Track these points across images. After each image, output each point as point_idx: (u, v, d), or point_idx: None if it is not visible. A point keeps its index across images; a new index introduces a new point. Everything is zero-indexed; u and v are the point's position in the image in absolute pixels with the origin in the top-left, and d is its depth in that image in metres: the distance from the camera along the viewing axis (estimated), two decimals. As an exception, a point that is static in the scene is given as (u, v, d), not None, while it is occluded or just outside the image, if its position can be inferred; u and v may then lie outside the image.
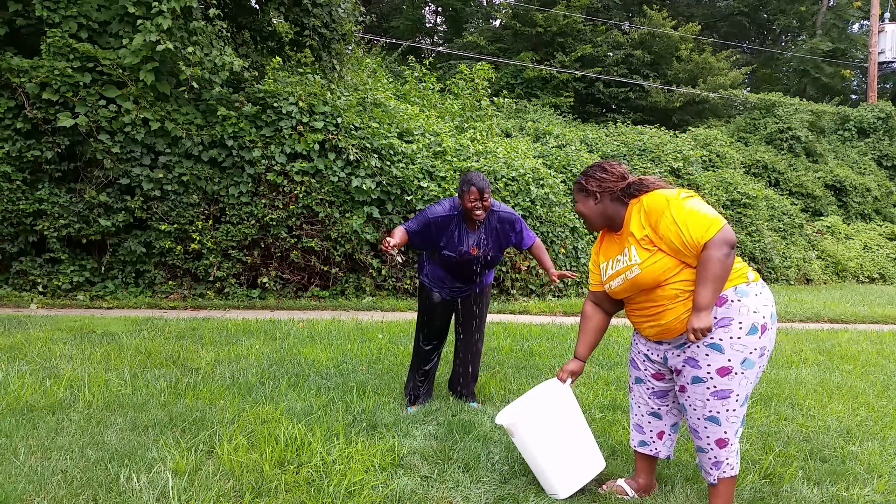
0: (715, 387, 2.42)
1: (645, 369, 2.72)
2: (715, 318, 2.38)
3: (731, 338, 2.37)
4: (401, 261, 3.77)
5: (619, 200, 2.55)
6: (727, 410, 2.43)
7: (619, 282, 2.55)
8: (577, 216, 7.39)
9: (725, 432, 2.45)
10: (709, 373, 2.42)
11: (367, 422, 3.53)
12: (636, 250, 2.46)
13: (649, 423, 2.77)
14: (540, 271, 9.28)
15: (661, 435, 2.76)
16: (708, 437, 2.48)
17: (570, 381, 2.80)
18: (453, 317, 3.99)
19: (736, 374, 2.39)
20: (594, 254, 2.76)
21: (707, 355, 2.41)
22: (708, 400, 2.44)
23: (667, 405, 2.73)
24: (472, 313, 3.93)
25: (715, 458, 2.49)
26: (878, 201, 18.68)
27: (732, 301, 2.38)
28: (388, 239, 3.37)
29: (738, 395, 2.42)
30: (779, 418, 3.91)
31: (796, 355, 5.80)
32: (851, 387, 4.72)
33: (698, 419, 2.48)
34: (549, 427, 2.72)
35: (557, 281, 3.50)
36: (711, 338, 2.39)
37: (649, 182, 2.52)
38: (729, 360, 2.39)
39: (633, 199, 2.52)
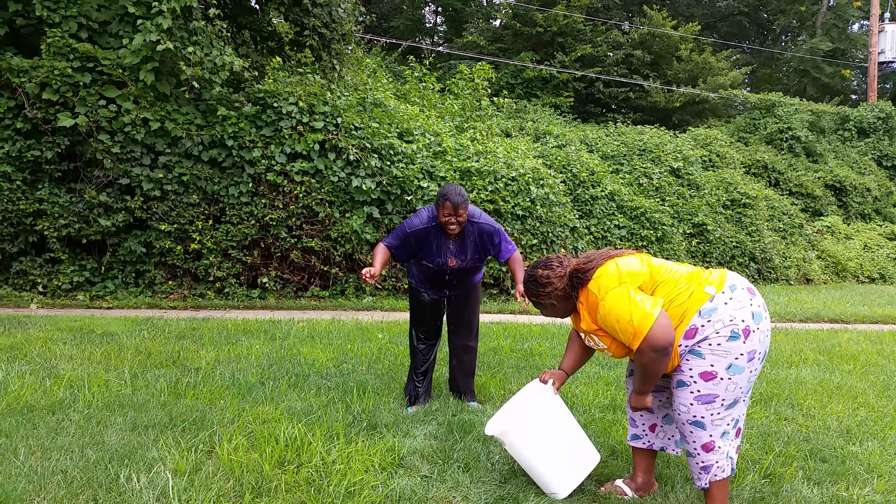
0: (699, 391, 2.41)
1: None
2: (689, 345, 2.41)
3: (710, 345, 2.37)
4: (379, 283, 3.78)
5: (569, 295, 2.59)
6: (712, 415, 2.41)
7: (601, 351, 2.64)
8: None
9: (711, 436, 2.44)
10: (692, 377, 2.41)
11: (367, 422, 3.53)
12: (598, 339, 2.55)
13: (640, 416, 2.78)
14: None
15: (653, 427, 2.77)
16: (694, 441, 2.47)
17: (551, 381, 2.80)
18: (445, 317, 4.01)
19: (722, 379, 2.38)
20: (572, 320, 2.77)
21: (688, 360, 2.41)
22: (692, 404, 2.43)
23: (659, 400, 2.73)
24: (461, 313, 3.95)
25: (703, 462, 2.47)
26: (878, 201, 18.68)
27: (702, 325, 2.38)
28: (366, 271, 3.45)
29: (724, 400, 2.40)
30: (779, 418, 3.91)
31: (796, 355, 5.80)
32: (851, 387, 4.72)
33: (684, 424, 2.48)
34: (538, 430, 2.72)
35: (520, 299, 3.47)
36: (691, 346, 2.41)
37: (587, 268, 2.52)
38: (712, 366, 2.37)
39: (581, 288, 2.54)
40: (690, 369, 2.40)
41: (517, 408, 2.92)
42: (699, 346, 2.38)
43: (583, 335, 2.69)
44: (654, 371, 2.38)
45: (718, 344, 2.35)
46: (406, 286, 8.75)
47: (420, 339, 3.95)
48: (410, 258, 3.79)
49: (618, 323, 2.38)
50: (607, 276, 2.46)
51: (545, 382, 2.81)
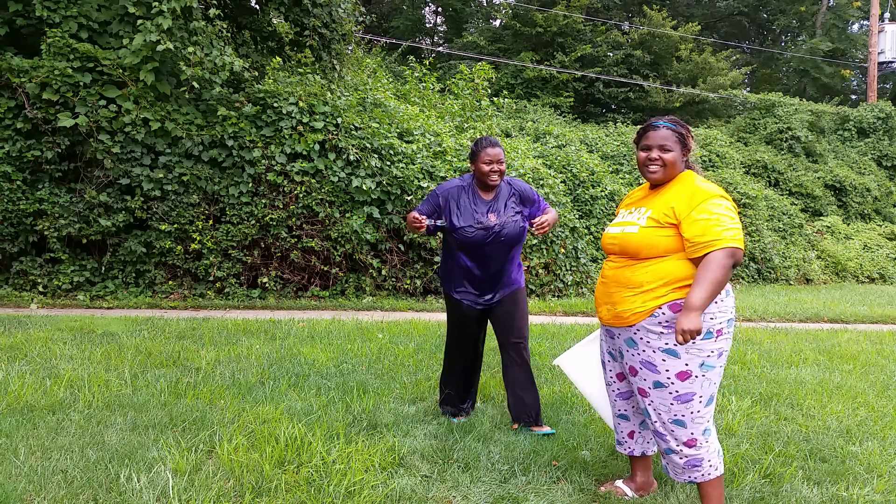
0: (677, 391, 2.42)
1: (610, 370, 2.74)
2: (668, 322, 2.39)
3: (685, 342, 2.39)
4: (439, 224, 3.40)
5: (685, 160, 2.62)
6: (692, 413, 2.43)
7: (616, 231, 2.58)
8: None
9: (692, 433, 2.45)
10: (668, 378, 2.42)
11: (367, 422, 3.53)
12: (650, 214, 2.48)
13: (619, 424, 2.80)
14: (540, 271, 9.28)
15: (631, 434, 2.78)
16: (676, 438, 2.47)
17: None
18: (492, 327, 3.60)
19: (696, 377, 2.40)
20: (621, 202, 2.79)
21: (664, 360, 2.42)
22: (672, 404, 2.44)
23: (633, 405, 2.74)
24: (510, 317, 3.48)
25: (688, 456, 2.47)
26: (877, 201, 18.68)
27: None
28: (413, 215, 3.27)
29: (701, 397, 2.42)
30: (779, 418, 3.91)
31: (796, 355, 5.80)
32: (851, 387, 4.72)
33: (664, 423, 2.48)
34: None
35: (537, 221, 3.29)
36: (666, 343, 2.41)
37: (694, 166, 2.65)
38: (686, 365, 2.40)
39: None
40: (667, 370, 2.42)
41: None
42: (675, 344, 2.39)
43: (623, 215, 2.64)
44: (723, 275, 2.29)
45: (693, 342, 2.38)
46: (406, 286, 8.77)
47: (451, 362, 3.60)
48: (438, 231, 3.44)
49: (721, 217, 2.34)
50: (716, 188, 2.49)
51: None
